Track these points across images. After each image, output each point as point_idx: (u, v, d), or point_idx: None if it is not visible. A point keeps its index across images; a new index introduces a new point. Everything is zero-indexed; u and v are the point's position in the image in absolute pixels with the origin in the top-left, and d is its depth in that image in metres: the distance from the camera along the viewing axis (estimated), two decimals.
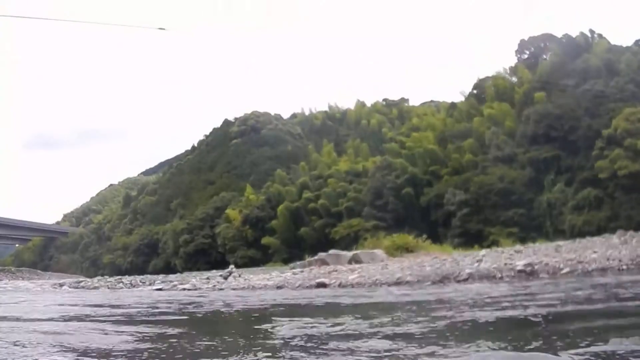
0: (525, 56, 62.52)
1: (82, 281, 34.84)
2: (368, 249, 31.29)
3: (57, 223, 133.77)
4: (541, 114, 47.71)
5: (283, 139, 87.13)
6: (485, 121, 54.39)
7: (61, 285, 31.85)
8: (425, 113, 74.25)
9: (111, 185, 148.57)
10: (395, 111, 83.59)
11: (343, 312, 7.80)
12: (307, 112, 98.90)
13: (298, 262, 31.94)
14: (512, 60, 64.65)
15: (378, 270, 19.19)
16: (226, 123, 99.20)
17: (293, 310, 7.81)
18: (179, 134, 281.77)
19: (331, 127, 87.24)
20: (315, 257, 28.93)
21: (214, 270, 40.84)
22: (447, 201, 49.13)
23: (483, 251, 22.52)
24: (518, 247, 22.82)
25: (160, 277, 36.82)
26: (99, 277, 41.70)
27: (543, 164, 46.24)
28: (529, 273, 13.62)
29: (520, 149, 48.50)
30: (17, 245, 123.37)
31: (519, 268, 14.08)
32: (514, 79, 60.54)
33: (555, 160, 45.76)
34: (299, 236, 59.76)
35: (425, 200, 52.35)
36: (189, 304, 9.86)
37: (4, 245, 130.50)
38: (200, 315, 7.59)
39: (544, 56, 58.83)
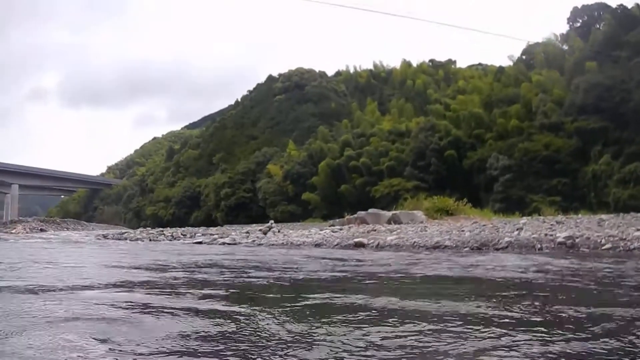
0: (578, 24, 61.08)
1: (124, 232, 35.52)
2: (408, 210, 31.30)
3: (102, 175, 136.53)
4: (592, 83, 46.53)
5: (327, 96, 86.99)
6: (533, 87, 53.33)
7: (105, 236, 32.50)
8: (472, 76, 73.30)
9: (155, 138, 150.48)
10: (442, 72, 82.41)
11: (398, 290, 7.10)
12: (351, 70, 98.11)
13: (337, 220, 32.07)
14: (564, 28, 63.38)
15: (417, 233, 19.15)
16: (270, 79, 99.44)
17: (338, 285, 7.35)
18: (222, 89, 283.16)
19: (376, 85, 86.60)
20: (355, 216, 29.06)
21: (254, 225, 41.28)
22: (490, 166, 48.65)
23: (524, 219, 22.30)
24: (560, 217, 22.50)
25: (201, 229, 37.33)
26: (141, 229, 42.55)
27: (590, 134, 45.23)
28: (570, 246, 13.46)
29: (568, 118, 47.54)
30: (62, 196, 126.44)
31: (559, 240, 13.89)
32: (565, 47, 59.25)
33: (603, 132, 44.68)
34: (339, 193, 59.78)
35: (468, 163, 51.91)
36: (227, 268, 9.64)
37: (50, 197, 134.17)
38: (239, 284, 7.27)
39: (597, 25, 57.24)
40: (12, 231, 42.89)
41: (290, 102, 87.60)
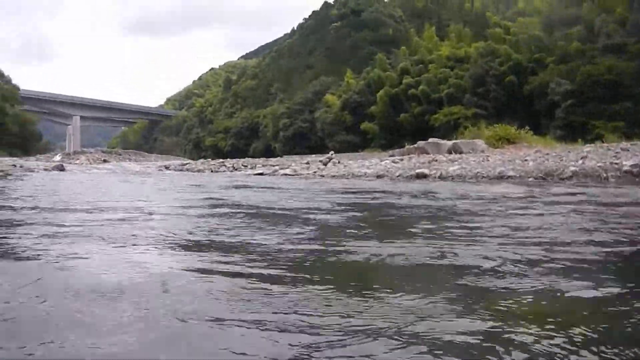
0: None
1: (186, 164, 36.23)
2: (468, 139, 31.15)
3: (161, 106, 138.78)
4: None
5: (384, 22, 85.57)
6: (595, 7, 51.63)
7: (167, 167, 33.28)
8: None
9: (212, 69, 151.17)
10: None
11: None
12: None
13: (397, 150, 32.12)
14: None
15: (479, 163, 19.13)
16: (326, 6, 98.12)
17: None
18: (278, 18, 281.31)
19: (433, 10, 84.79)
20: (415, 145, 29.05)
21: (313, 155, 41.65)
22: (551, 91, 47.61)
23: (587, 147, 22.05)
24: (624, 144, 22.10)
25: (261, 160, 37.84)
26: (202, 160, 43.32)
27: None
28: (636, 174, 13.39)
29: (631, 39, 45.94)
30: (122, 127, 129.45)
31: (625, 168, 13.79)
32: None
33: None
34: (398, 122, 59.48)
35: (529, 89, 50.90)
36: (297, 211, 9.32)
37: (111, 128, 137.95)
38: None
39: None
40: (76, 162, 44.07)
41: (346, 29, 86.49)
